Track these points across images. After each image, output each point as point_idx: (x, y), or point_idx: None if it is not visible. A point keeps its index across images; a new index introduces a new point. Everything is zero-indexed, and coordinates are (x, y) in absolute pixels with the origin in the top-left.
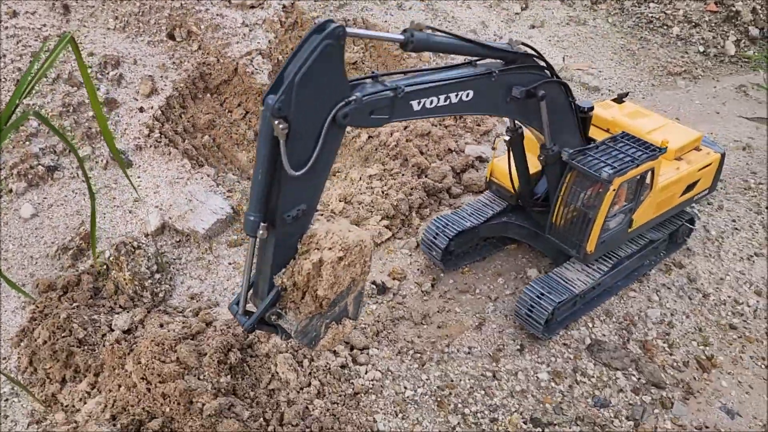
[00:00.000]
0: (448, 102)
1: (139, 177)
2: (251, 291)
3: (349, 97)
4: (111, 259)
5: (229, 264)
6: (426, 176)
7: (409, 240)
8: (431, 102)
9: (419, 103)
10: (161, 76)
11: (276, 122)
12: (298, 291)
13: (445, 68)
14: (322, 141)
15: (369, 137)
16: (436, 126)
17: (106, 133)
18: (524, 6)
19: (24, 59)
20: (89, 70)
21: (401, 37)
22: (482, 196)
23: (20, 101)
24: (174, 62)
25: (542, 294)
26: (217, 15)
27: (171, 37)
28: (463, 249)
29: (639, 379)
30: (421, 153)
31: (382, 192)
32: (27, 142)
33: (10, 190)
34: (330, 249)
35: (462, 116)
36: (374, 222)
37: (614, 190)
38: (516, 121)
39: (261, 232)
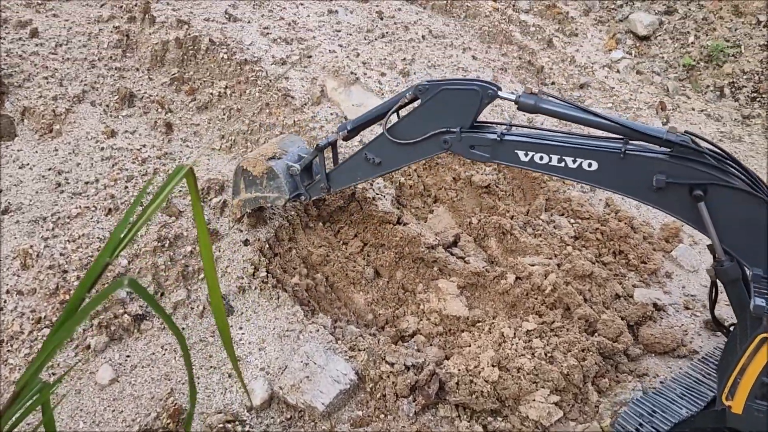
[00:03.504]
0: (563, 165)
1: (241, 328)
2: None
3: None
4: None
5: None
6: (597, 332)
7: (589, 425)
8: (541, 158)
9: (526, 154)
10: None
11: (411, 91)
12: None
13: (581, 135)
14: (419, 140)
15: (517, 278)
16: (596, 264)
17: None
18: (665, 121)
19: (119, 184)
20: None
21: (512, 96)
22: (689, 368)
23: (111, 258)
24: None
25: None
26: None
27: None
28: None
29: None
30: (585, 300)
31: (546, 354)
32: None
33: (88, 347)
34: None
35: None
36: (541, 397)
37: None
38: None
39: (343, 133)
